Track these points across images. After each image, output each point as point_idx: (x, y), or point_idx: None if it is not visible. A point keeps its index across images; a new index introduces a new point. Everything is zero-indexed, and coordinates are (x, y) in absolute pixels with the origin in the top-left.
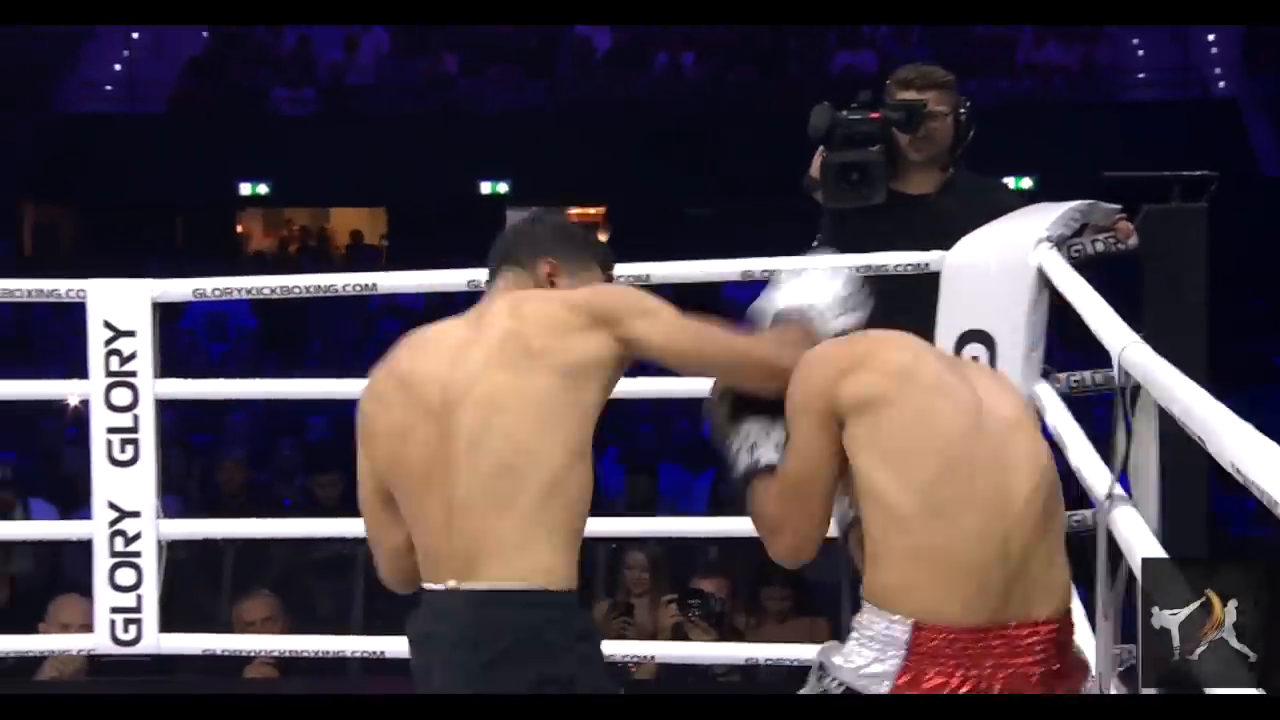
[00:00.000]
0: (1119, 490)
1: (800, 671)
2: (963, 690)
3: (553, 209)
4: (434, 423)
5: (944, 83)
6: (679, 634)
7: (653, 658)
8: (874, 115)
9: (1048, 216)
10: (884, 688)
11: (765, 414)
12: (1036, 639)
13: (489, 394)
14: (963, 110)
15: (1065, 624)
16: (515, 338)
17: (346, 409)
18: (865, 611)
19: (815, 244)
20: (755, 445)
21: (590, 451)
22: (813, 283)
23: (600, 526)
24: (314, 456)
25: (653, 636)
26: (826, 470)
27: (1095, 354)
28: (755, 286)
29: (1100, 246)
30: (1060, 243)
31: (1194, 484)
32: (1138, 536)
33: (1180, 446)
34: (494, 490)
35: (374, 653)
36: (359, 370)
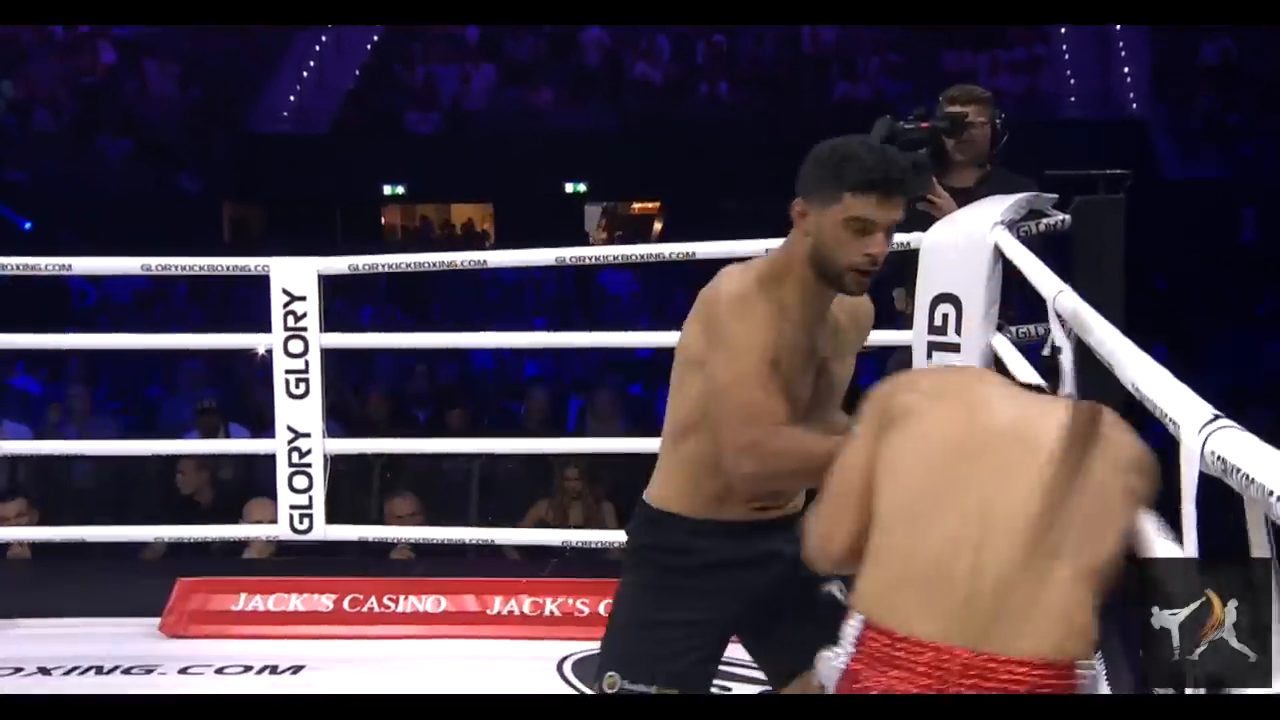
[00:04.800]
0: None
1: None
2: None
3: (853, 135)
4: None
5: (983, 98)
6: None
7: (576, 542)
8: (924, 125)
9: (1002, 204)
10: (833, 685)
11: None
12: (1012, 677)
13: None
14: (998, 120)
15: (1057, 672)
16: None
17: (464, 356)
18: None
19: None
20: None
21: (700, 423)
22: None
23: (545, 446)
24: (442, 392)
25: (582, 526)
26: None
27: (1038, 312)
28: None
29: (1041, 228)
30: (1011, 225)
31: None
32: None
33: (1103, 373)
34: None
35: (487, 541)
36: (472, 326)
